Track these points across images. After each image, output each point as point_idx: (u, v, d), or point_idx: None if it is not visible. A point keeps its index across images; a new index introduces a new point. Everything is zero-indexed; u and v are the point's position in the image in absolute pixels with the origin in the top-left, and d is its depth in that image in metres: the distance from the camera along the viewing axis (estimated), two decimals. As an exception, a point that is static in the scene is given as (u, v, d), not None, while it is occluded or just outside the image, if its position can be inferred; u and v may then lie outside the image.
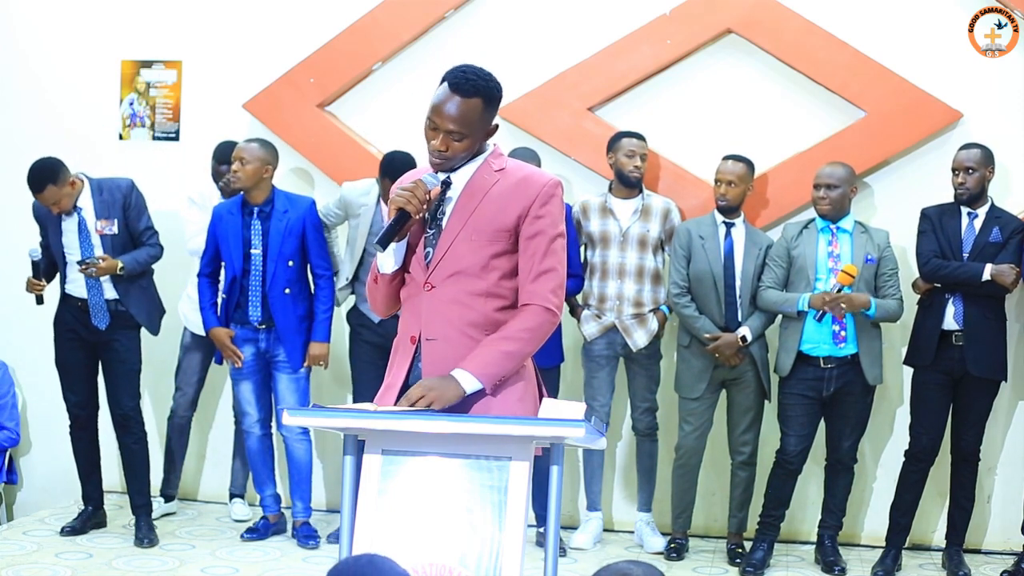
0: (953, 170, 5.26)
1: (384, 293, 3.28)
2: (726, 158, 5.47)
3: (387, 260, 3.20)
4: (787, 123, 5.83)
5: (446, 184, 3.19)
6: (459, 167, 3.18)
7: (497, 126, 3.20)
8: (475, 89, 3.08)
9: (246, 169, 5.39)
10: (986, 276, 5.10)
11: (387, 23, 6.08)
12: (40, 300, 5.45)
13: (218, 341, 5.54)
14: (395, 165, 5.27)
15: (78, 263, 5.30)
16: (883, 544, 5.39)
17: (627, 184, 5.55)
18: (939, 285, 5.25)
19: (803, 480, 5.53)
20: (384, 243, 3.13)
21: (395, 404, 3.13)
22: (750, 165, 5.47)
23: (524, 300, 3.14)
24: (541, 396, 3.19)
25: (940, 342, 5.21)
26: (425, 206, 3.12)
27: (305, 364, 5.54)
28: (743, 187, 5.45)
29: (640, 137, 5.57)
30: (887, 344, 5.50)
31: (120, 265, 5.30)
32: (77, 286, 5.37)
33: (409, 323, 3.22)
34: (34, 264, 5.40)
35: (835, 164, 5.35)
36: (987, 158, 5.23)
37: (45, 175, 5.22)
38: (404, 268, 3.23)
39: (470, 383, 3.04)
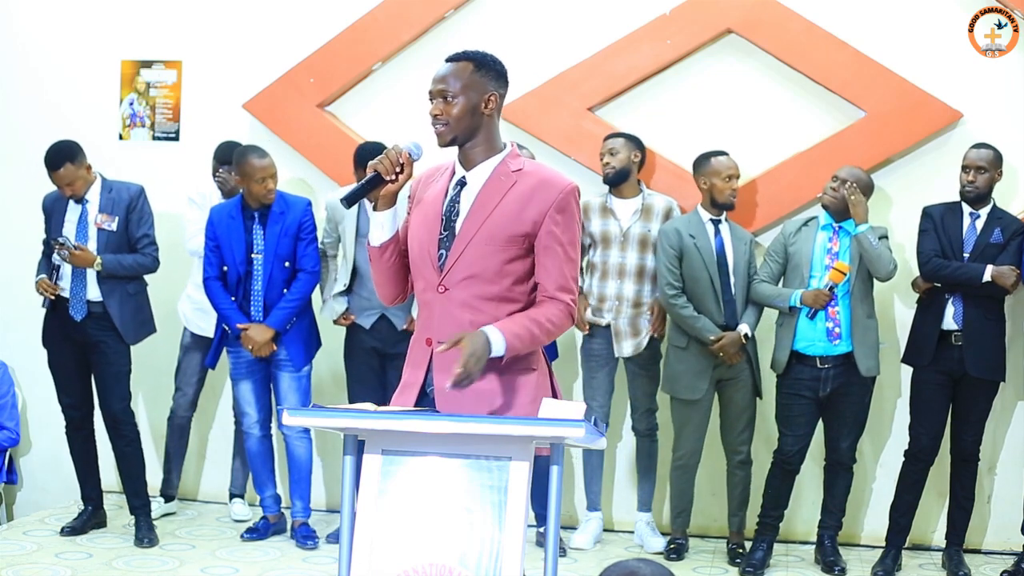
0: (964, 167, 5.25)
1: (377, 270, 3.29)
2: (724, 154, 5.45)
3: (374, 231, 3.22)
4: (787, 123, 5.83)
5: (461, 184, 3.20)
6: (478, 165, 3.18)
7: (495, 95, 3.18)
8: (465, 55, 3.19)
9: (275, 180, 5.44)
10: (987, 277, 5.10)
11: (387, 23, 6.08)
12: (48, 303, 5.36)
13: (258, 340, 5.40)
14: (364, 155, 5.36)
15: (54, 240, 5.26)
16: (883, 544, 5.39)
17: (604, 182, 5.57)
18: (939, 285, 5.26)
19: (802, 480, 5.53)
20: (349, 200, 3.18)
21: (415, 404, 3.17)
22: None
23: (551, 296, 3.15)
24: (555, 396, 3.21)
25: (939, 342, 5.21)
26: (399, 169, 3.15)
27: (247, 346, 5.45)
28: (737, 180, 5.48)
29: (618, 135, 5.57)
30: (888, 344, 5.50)
31: (99, 260, 5.26)
32: (64, 283, 5.35)
33: (424, 325, 3.23)
34: (56, 268, 5.31)
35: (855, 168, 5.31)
36: (998, 159, 5.23)
37: (63, 154, 5.24)
38: (398, 246, 3.24)
39: (498, 341, 3.03)
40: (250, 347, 5.43)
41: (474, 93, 3.14)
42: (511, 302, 3.15)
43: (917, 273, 5.36)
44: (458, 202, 3.18)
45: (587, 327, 5.56)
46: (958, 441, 5.32)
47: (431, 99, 3.18)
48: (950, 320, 5.20)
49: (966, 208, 5.26)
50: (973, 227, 5.24)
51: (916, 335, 5.34)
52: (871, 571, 5.30)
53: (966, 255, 5.20)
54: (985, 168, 5.20)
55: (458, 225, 3.16)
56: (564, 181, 3.19)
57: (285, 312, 5.45)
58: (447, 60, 3.20)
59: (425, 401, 3.20)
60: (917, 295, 5.39)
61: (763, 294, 5.36)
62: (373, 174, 3.15)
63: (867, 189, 5.26)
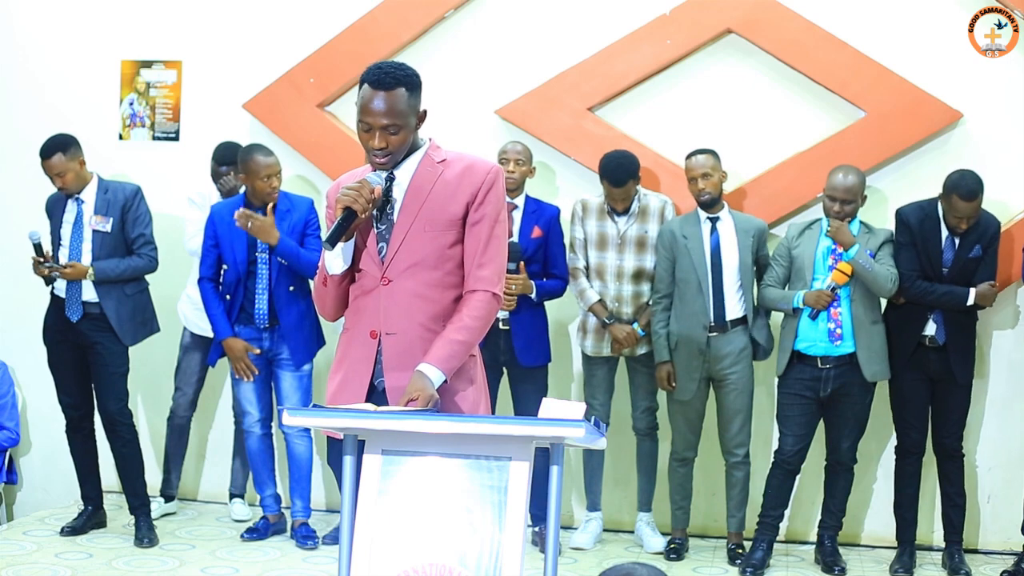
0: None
1: (333, 295, 3.34)
2: (691, 154, 5.44)
3: (336, 260, 3.25)
4: (787, 123, 5.83)
5: (390, 179, 3.25)
6: (401, 162, 3.23)
7: (426, 111, 3.25)
8: (395, 80, 3.15)
9: (280, 179, 5.45)
10: (971, 301, 5.14)
11: (387, 23, 6.08)
12: (49, 281, 5.37)
13: (234, 353, 5.45)
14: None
15: (45, 264, 5.27)
16: (883, 544, 5.42)
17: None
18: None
19: (803, 480, 5.53)
20: (332, 242, 3.19)
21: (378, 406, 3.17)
22: (715, 154, 5.44)
23: (471, 286, 3.24)
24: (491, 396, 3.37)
25: (915, 347, 5.24)
26: (371, 205, 3.18)
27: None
28: (718, 176, 5.41)
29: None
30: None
31: (90, 271, 5.27)
32: (63, 285, 5.35)
33: (366, 318, 3.27)
34: (36, 246, 5.33)
35: (848, 172, 5.24)
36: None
37: (55, 145, 5.27)
38: (353, 267, 3.28)
39: (436, 376, 3.15)
40: (248, 224, 5.26)
41: (412, 118, 3.19)
42: (454, 288, 3.24)
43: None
44: (390, 197, 3.24)
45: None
46: (940, 439, 5.33)
47: (366, 129, 3.15)
48: (931, 334, 5.21)
49: None
50: (951, 241, 5.21)
51: (894, 341, 5.28)
52: (889, 569, 5.30)
53: (945, 270, 5.19)
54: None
55: (395, 217, 3.23)
56: (488, 164, 3.29)
57: (294, 248, 5.34)
58: (379, 87, 3.12)
59: (375, 395, 3.26)
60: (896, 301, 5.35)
61: (770, 299, 5.36)
62: (348, 212, 3.16)
63: (858, 190, 5.21)
